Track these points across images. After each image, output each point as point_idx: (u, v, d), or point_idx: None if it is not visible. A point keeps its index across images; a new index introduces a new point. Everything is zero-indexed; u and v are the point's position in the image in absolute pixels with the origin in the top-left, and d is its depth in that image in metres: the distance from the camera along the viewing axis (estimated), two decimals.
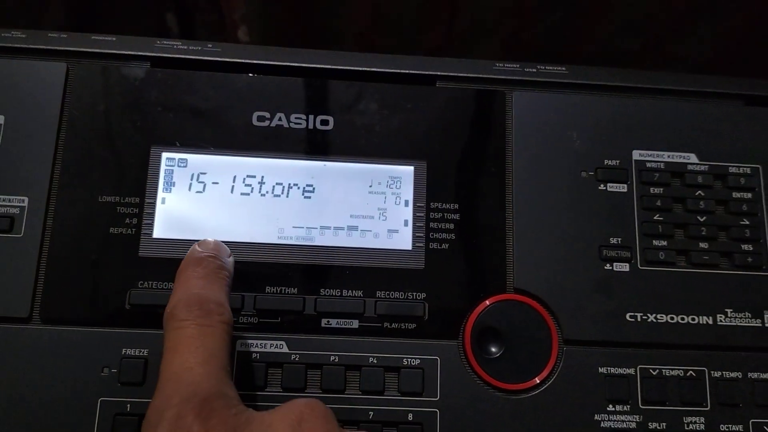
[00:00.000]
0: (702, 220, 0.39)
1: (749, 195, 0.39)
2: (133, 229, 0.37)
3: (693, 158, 0.40)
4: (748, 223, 0.39)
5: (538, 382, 0.36)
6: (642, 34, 0.71)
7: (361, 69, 0.40)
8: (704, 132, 0.40)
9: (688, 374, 0.37)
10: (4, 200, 0.36)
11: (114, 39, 0.39)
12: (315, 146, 0.38)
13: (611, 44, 0.71)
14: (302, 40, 0.73)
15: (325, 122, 0.39)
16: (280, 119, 0.39)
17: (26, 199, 0.36)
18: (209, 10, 0.80)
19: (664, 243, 0.38)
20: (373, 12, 0.73)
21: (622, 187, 0.39)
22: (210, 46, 0.40)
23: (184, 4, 0.81)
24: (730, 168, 0.39)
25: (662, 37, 0.70)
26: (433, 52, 0.71)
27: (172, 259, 0.36)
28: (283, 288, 0.37)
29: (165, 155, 0.38)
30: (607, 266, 0.38)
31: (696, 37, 0.69)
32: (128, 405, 0.34)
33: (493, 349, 0.37)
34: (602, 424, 0.36)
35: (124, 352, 0.35)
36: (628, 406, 0.36)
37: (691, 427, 0.36)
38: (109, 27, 0.72)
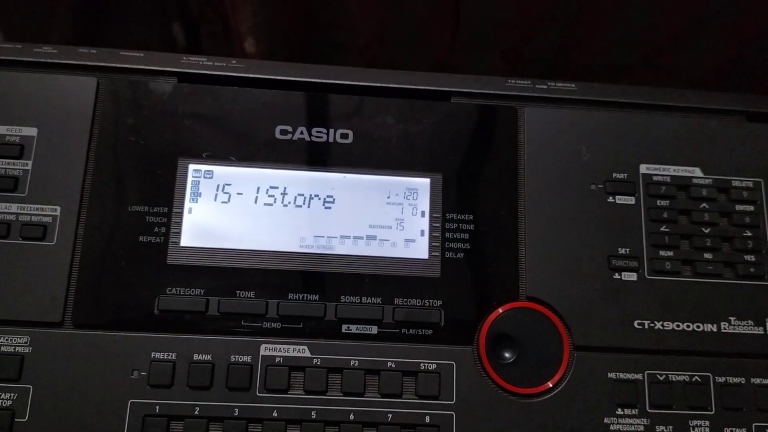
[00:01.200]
0: (706, 231, 0.40)
1: (752, 208, 0.41)
2: (162, 238, 0.38)
3: (698, 172, 0.41)
4: (750, 234, 0.40)
5: (550, 386, 0.37)
6: (641, 47, 0.72)
7: (379, 85, 0.41)
8: (708, 147, 0.41)
9: (693, 379, 0.38)
10: (37, 209, 0.38)
11: (142, 55, 0.41)
12: (335, 159, 0.40)
13: (610, 56, 0.72)
14: (307, 52, 0.74)
15: (344, 136, 0.40)
16: (301, 133, 0.40)
17: (59, 208, 0.38)
18: (215, 21, 0.81)
19: (671, 253, 0.40)
20: (378, 25, 0.74)
21: (630, 200, 0.40)
22: (234, 62, 0.41)
23: (190, 15, 0.82)
24: (733, 182, 0.41)
25: (661, 50, 0.72)
26: (436, 64, 0.73)
27: (199, 266, 0.38)
28: (305, 295, 0.38)
29: (192, 167, 0.39)
30: (616, 275, 0.39)
31: (695, 51, 0.70)
32: (157, 407, 0.36)
33: (507, 355, 0.38)
34: (611, 427, 0.37)
35: (153, 356, 0.37)
36: (637, 410, 0.38)
37: (696, 430, 0.37)
38: (115, 37, 0.74)
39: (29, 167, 0.38)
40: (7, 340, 0.36)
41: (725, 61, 0.70)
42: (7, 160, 0.38)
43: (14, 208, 0.38)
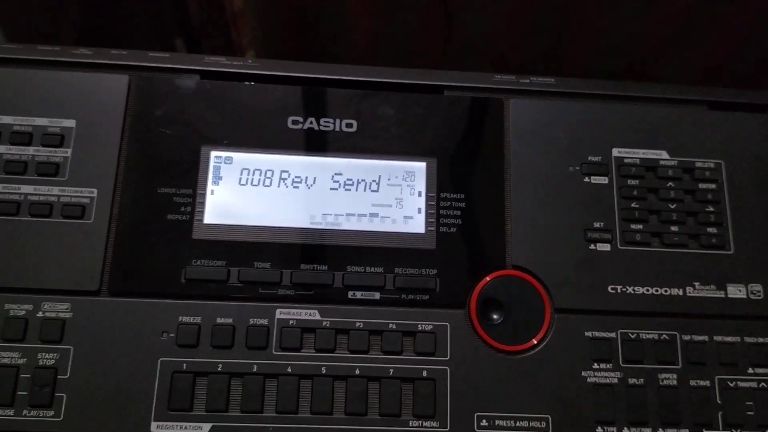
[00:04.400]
0: (673, 207, 0.45)
1: (713, 186, 0.46)
2: (187, 216, 0.43)
3: (664, 155, 0.46)
4: (713, 210, 0.45)
5: (534, 343, 0.42)
6: (625, 57, 0.75)
7: (380, 80, 0.46)
8: (674, 132, 0.46)
9: (661, 337, 0.43)
10: (76, 192, 0.42)
11: (168, 55, 0.46)
12: (341, 145, 0.45)
13: (596, 66, 0.76)
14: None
15: (349, 125, 0.45)
16: (311, 123, 0.45)
17: (96, 190, 0.42)
18: (216, 36, 0.86)
19: (641, 227, 0.44)
20: (372, 38, 0.79)
21: (604, 180, 0.45)
22: (250, 61, 0.46)
23: (192, 30, 0.87)
24: (696, 163, 0.46)
25: (645, 59, 0.75)
26: None
27: (221, 241, 0.42)
28: (316, 265, 0.43)
29: (213, 153, 0.44)
30: (592, 246, 0.44)
31: (677, 60, 0.74)
32: (184, 364, 0.40)
33: (495, 317, 0.43)
34: (588, 380, 0.42)
35: (180, 319, 0.41)
36: (611, 365, 0.42)
37: (665, 382, 0.42)
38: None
39: (69, 155, 0.43)
40: (50, 306, 0.40)
41: (707, 69, 0.74)
42: (49, 149, 0.43)
43: (56, 190, 0.42)
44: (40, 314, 0.40)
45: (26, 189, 0.42)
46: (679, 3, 0.67)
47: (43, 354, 0.40)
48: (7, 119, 0.43)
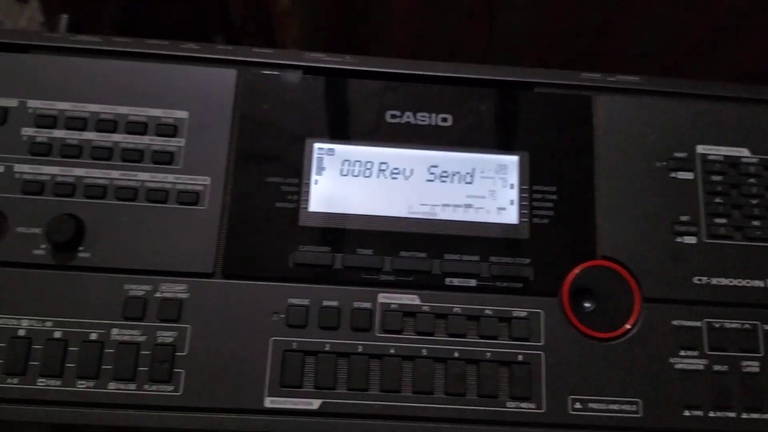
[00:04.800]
0: (754, 202, 0.47)
1: None
2: (294, 204, 0.45)
3: (746, 152, 0.48)
4: None
5: (625, 331, 0.44)
6: (660, 59, 0.77)
7: (474, 77, 0.48)
8: (755, 130, 0.48)
9: (744, 327, 0.45)
10: (190, 179, 0.45)
11: (272, 51, 0.48)
12: (437, 139, 0.47)
13: (631, 68, 0.78)
14: None
15: (444, 119, 0.47)
16: (408, 117, 0.47)
17: (209, 178, 0.45)
18: (257, 34, 0.88)
19: (725, 221, 0.46)
20: (414, 38, 0.80)
21: (690, 175, 0.47)
22: (348, 57, 0.48)
23: (233, 28, 0.89)
24: None
25: (679, 62, 0.77)
26: None
27: (325, 228, 0.45)
28: (414, 253, 0.45)
29: (316, 145, 0.46)
30: (678, 239, 0.46)
31: (712, 63, 0.75)
32: (294, 343, 0.43)
33: (586, 304, 0.45)
34: (676, 366, 0.44)
35: (289, 301, 0.43)
36: (697, 352, 0.44)
37: (747, 369, 0.44)
38: None
39: (182, 144, 0.45)
40: (168, 287, 0.43)
41: (741, 72, 0.76)
42: (164, 138, 0.45)
43: (171, 178, 0.45)
44: (158, 294, 0.43)
45: (143, 176, 0.44)
46: (721, 4, 0.69)
47: (162, 332, 0.42)
48: (122, 110, 0.45)
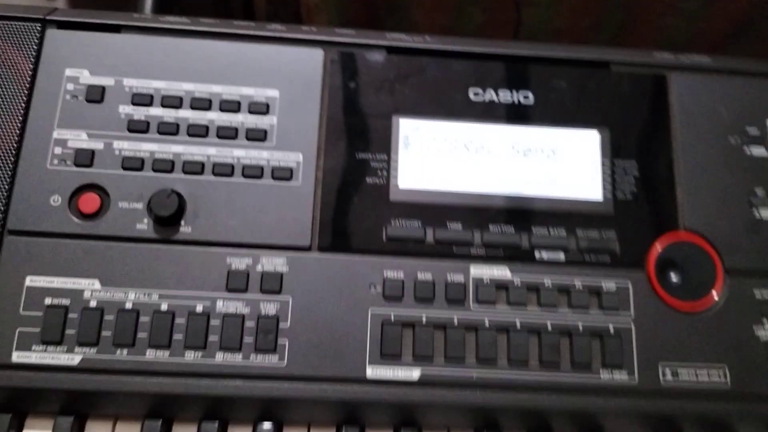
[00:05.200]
0: None
1: None
2: (384, 180, 0.46)
3: None
4: None
5: (709, 301, 0.45)
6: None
7: (552, 56, 0.49)
8: None
9: None
10: (283, 156, 0.45)
11: (354, 32, 0.49)
12: (519, 116, 0.48)
13: None
14: None
15: (526, 97, 0.48)
16: (490, 94, 0.48)
17: (301, 155, 0.46)
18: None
19: None
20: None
21: (762, 150, 0.48)
22: (428, 38, 0.49)
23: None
24: None
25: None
26: None
27: (415, 203, 0.46)
28: (503, 226, 0.46)
29: (403, 122, 0.47)
30: (755, 212, 0.47)
31: (738, 56, 0.77)
32: (392, 315, 0.43)
33: (671, 275, 0.46)
34: (757, 332, 0.45)
35: (385, 274, 0.44)
36: None
37: None
38: None
39: (275, 122, 0.46)
40: (268, 260, 0.44)
41: None
42: (257, 116, 0.46)
43: (265, 154, 0.45)
44: (259, 267, 0.43)
45: (238, 153, 0.45)
46: (740, 1, 0.70)
47: (265, 304, 0.43)
48: (216, 88, 0.46)
